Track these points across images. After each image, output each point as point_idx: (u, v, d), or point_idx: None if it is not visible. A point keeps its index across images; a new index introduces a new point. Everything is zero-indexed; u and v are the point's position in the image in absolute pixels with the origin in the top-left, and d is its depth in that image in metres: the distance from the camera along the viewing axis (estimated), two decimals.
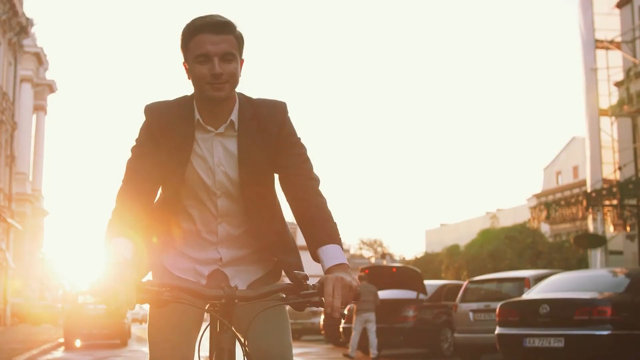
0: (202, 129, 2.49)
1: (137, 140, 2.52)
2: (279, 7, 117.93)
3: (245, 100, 2.54)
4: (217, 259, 2.59)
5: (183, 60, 2.48)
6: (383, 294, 14.79)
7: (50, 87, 49.19)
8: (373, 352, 14.23)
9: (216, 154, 2.50)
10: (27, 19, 38.42)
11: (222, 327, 2.23)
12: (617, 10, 21.73)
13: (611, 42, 21.44)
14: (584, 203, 17.60)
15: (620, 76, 21.08)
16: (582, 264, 23.19)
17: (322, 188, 2.50)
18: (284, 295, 2.25)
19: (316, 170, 2.53)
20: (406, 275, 15.66)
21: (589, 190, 20.98)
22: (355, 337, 14.41)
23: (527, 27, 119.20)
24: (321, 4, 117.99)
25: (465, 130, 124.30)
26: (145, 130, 2.50)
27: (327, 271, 2.26)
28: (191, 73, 2.43)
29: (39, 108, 47.26)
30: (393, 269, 16.46)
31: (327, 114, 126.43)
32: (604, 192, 17.87)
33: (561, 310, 9.04)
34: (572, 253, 24.89)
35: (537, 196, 48.48)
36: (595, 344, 8.75)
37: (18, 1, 35.55)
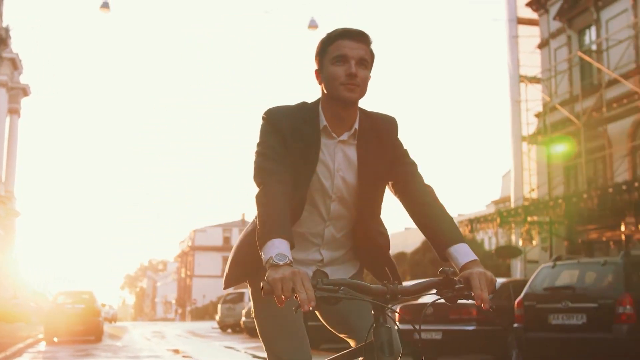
0: (327, 135, 2.57)
1: (264, 143, 2.54)
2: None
3: (361, 111, 2.62)
4: (318, 260, 2.68)
5: (316, 69, 2.58)
6: None
7: (24, 91, 50.57)
8: None
9: (337, 160, 2.58)
10: (7, 30, 40.24)
11: (379, 322, 2.26)
12: (539, 50, 24.72)
13: (532, 78, 24.42)
14: (498, 221, 20.55)
15: (540, 108, 24.04)
16: (509, 271, 26.28)
17: None
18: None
19: None
20: None
21: (512, 206, 24.04)
22: None
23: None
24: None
25: (437, 136, 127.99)
26: (274, 133, 2.53)
27: (464, 267, 2.32)
28: (325, 76, 2.53)
29: (13, 111, 48.63)
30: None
31: None
32: (512, 212, 20.90)
33: (440, 311, 11.83)
34: (501, 261, 27.84)
35: (496, 202, 51.13)
36: (463, 337, 11.63)
37: None
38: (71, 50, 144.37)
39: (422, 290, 2.31)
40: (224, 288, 2.77)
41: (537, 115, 23.95)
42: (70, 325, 22.01)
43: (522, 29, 25.58)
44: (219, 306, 33.37)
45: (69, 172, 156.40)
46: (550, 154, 20.80)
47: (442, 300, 2.35)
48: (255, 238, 2.37)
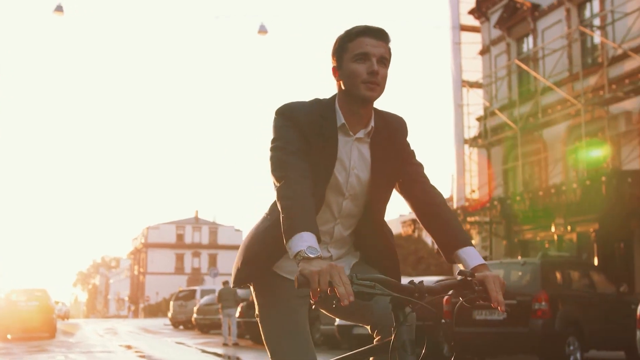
0: (344, 132, 2.56)
1: (282, 137, 2.49)
2: None
3: (374, 110, 2.61)
4: (327, 257, 2.63)
5: (334, 66, 2.55)
6: None
7: None
8: (233, 338, 18.60)
9: (352, 158, 2.57)
10: None
11: (400, 320, 2.27)
12: (480, 56, 25.78)
13: (474, 83, 25.48)
14: None
15: (481, 112, 25.10)
16: (452, 269, 27.34)
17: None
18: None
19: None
20: None
21: (455, 206, 25.08)
22: (224, 328, 18.93)
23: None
24: None
25: None
26: (292, 128, 2.49)
27: (474, 270, 2.34)
28: (345, 73, 2.50)
29: None
30: None
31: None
32: None
33: None
34: (443, 259, 28.92)
35: (447, 200, 52.49)
36: None
37: None
38: (21, 49, 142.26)
39: (448, 288, 2.33)
40: (233, 286, 2.76)
41: (478, 119, 25.00)
42: (23, 322, 22.52)
43: (465, 36, 26.61)
44: (171, 303, 33.88)
45: (19, 168, 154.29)
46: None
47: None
48: (268, 235, 2.51)
